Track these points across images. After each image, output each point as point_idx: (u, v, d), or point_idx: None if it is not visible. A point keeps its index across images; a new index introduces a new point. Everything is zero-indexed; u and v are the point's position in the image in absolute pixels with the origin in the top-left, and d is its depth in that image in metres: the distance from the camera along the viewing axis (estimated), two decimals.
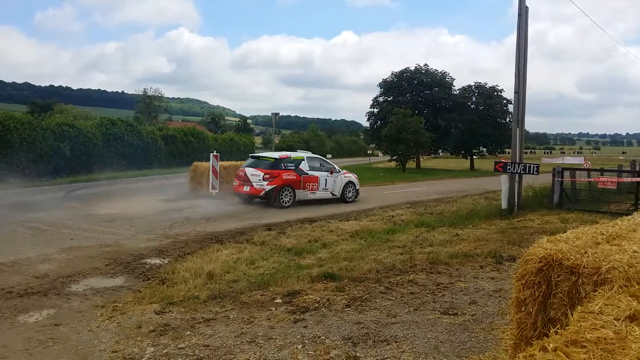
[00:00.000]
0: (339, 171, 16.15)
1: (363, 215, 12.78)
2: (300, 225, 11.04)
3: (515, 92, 12.92)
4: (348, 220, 11.75)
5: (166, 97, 77.66)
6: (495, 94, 47.25)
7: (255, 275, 6.69)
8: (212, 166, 15.96)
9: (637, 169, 14.55)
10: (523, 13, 12.65)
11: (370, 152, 54.09)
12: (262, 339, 4.40)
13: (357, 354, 4.05)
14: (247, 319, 4.94)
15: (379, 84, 52.08)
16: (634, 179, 12.67)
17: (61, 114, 36.49)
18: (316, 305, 5.28)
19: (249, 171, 14.60)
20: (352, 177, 16.55)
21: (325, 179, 15.42)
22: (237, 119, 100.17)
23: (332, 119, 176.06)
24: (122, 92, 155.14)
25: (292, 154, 15.72)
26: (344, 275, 6.44)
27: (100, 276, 6.88)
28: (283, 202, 14.34)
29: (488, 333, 4.48)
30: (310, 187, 15.02)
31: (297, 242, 9.12)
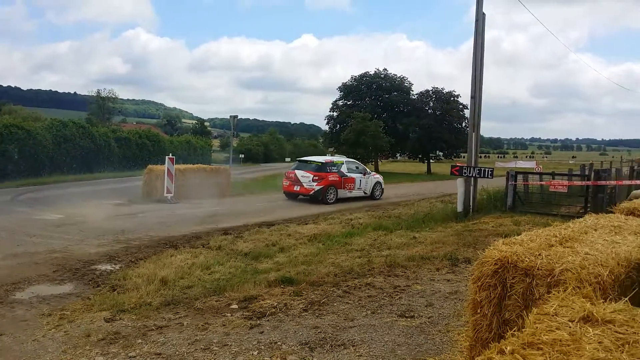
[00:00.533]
0: (370, 173, 18.74)
1: (321, 218, 12.75)
2: (258, 229, 10.89)
3: (471, 98, 13.14)
4: (306, 224, 11.68)
5: (121, 99, 75.43)
6: (452, 99, 48.40)
7: (210, 280, 6.53)
8: (168, 169, 15.58)
9: (587, 173, 15.09)
10: (480, 19, 12.87)
11: (330, 155, 54.21)
12: (217, 346, 4.27)
13: (314, 359, 3.98)
14: (202, 325, 4.79)
15: (339, 87, 52.47)
16: (584, 183, 13.14)
17: (10, 115, 34.83)
18: (273, 310, 5.19)
19: (299, 173, 16.72)
20: (380, 177, 19.24)
21: (360, 180, 17.65)
22: (194, 122, 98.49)
23: (292, 123, 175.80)
24: (75, 93, 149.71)
25: (334, 159, 18.20)
26: (301, 279, 6.37)
27: (48, 283, 6.56)
28: (328, 199, 16.43)
29: (444, 335, 4.50)
30: (349, 187, 17.22)
31: (254, 246, 8.98)
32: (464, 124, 45.98)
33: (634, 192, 8.79)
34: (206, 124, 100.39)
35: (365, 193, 17.91)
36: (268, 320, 4.91)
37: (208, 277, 6.72)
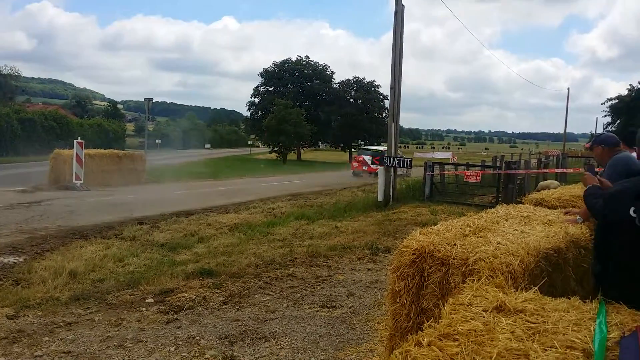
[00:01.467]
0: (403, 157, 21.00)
1: (243, 207, 12.54)
2: (176, 218, 10.51)
3: (391, 88, 13.43)
4: (227, 213, 11.44)
5: (25, 77, 69.73)
6: (373, 89, 49.51)
7: (124, 273, 6.20)
8: (76, 154, 14.64)
9: (498, 164, 15.97)
10: (399, 10, 13.14)
11: (251, 143, 53.72)
12: (131, 343, 4.06)
13: (235, 353, 3.89)
14: (115, 321, 4.54)
15: (260, 73, 51.96)
16: (497, 171, 13.92)
17: None
18: (191, 303, 5.03)
19: (366, 158, 25.37)
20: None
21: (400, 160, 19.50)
22: (106, 104, 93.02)
23: (212, 108, 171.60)
24: None
25: (384, 148, 19.66)
26: (221, 270, 6.22)
27: None
28: None
29: (365, 324, 4.57)
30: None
31: (171, 236, 8.65)
32: (384, 114, 47.20)
33: (541, 183, 9.44)
34: (119, 106, 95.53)
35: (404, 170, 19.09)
36: (186, 315, 4.75)
37: (121, 270, 6.37)
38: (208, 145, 62.12)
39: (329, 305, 5.06)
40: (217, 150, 59.14)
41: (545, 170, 16.27)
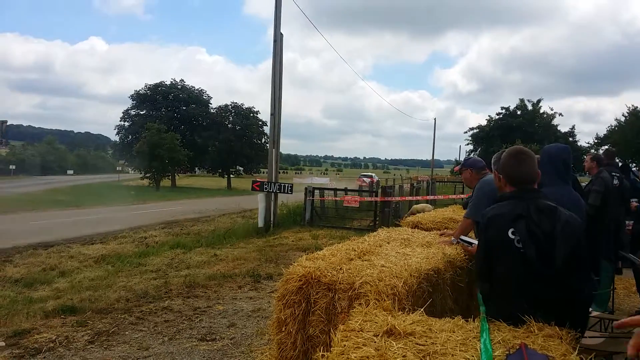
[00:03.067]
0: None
1: (111, 237, 11.62)
2: (33, 251, 9.43)
3: (271, 114, 13.49)
4: (92, 244, 10.52)
5: None
6: (252, 115, 49.52)
7: None
8: None
9: (375, 189, 16.67)
10: (278, 39, 13.35)
11: (120, 168, 50.66)
12: None
13: None
14: None
15: (131, 95, 49.54)
16: (373, 198, 14.48)
17: None
18: (51, 345, 4.46)
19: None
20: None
21: None
22: None
23: (75, 131, 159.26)
24: None
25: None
26: (86, 307, 5.62)
27: None
28: None
29: (247, 356, 4.35)
30: None
31: (27, 271, 7.73)
32: (263, 140, 47.38)
33: (415, 206, 10.00)
34: None
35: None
36: (44, 358, 4.23)
37: None
38: (71, 172, 57.28)
39: (208, 338, 4.76)
40: (82, 176, 54.75)
41: (418, 197, 17.34)
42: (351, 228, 12.85)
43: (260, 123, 48.71)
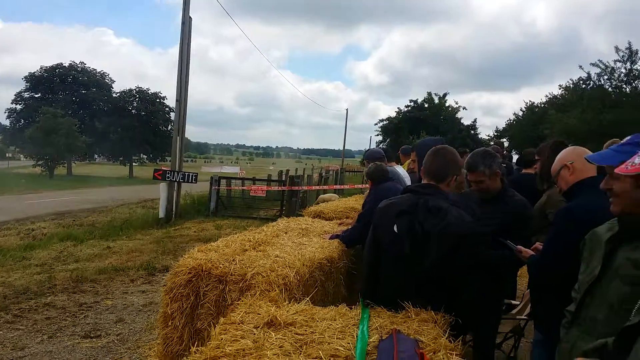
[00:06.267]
0: None
1: None
2: None
3: (177, 101, 12.98)
4: None
5: None
6: (158, 100, 47.48)
7: None
8: None
9: (284, 179, 16.51)
10: (187, 22, 12.85)
11: (10, 155, 46.55)
12: None
13: None
14: None
15: (25, 77, 45.51)
16: (281, 188, 14.42)
17: None
18: None
19: None
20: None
21: None
22: None
23: None
24: None
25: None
26: None
27: None
28: None
29: (133, 352, 4.14)
30: None
31: None
32: (170, 127, 45.58)
33: (322, 195, 10.06)
34: None
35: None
36: None
37: None
38: None
39: (92, 335, 4.46)
40: None
41: (325, 187, 17.54)
42: (257, 218, 12.71)
43: (167, 109, 46.84)
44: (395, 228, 2.36)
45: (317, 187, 16.10)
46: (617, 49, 22.82)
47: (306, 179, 17.60)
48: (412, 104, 40.19)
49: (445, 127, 37.03)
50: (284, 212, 12.58)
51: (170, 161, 14.00)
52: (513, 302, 4.37)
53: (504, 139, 35.35)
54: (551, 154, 3.04)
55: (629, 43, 22.85)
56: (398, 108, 42.49)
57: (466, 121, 39.98)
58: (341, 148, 55.12)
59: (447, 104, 39.62)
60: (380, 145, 38.44)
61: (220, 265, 3.01)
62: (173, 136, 13.53)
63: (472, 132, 39.09)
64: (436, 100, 39.70)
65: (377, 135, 41.17)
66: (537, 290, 2.76)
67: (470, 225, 2.37)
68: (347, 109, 54.48)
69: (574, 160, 2.43)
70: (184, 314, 3.02)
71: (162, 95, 47.82)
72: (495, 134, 37.98)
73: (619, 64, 22.95)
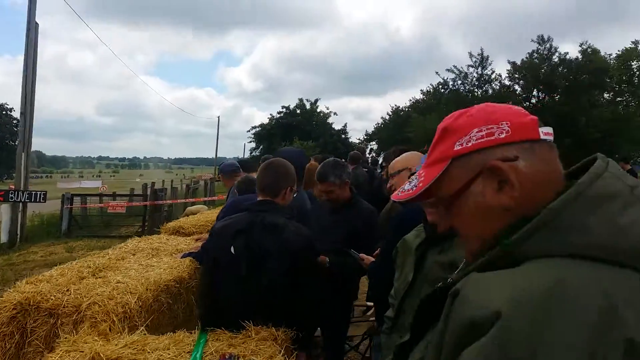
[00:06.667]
0: None
1: None
2: None
3: (21, 113, 11.84)
4: None
5: None
6: (4, 112, 42.76)
7: None
8: None
9: (148, 192, 15.59)
10: (32, 28, 11.84)
11: None
12: None
13: None
14: None
15: None
16: (142, 203, 13.61)
17: None
18: None
19: None
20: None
21: None
22: None
23: None
24: None
25: None
26: None
27: None
28: None
29: None
30: None
31: None
32: (17, 141, 41.17)
33: (189, 208, 9.67)
34: None
35: None
36: None
37: None
38: None
39: None
40: None
41: (191, 199, 16.92)
42: (116, 236, 11.88)
43: (15, 122, 42.25)
44: (232, 249, 2.31)
45: (184, 200, 15.52)
46: (470, 55, 25.27)
47: (171, 191, 16.86)
48: (284, 110, 40.62)
49: (317, 132, 37.94)
50: (146, 228, 11.93)
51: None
52: (369, 303, 4.57)
53: (373, 142, 37.22)
54: None
55: (481, 49, 25.46)
56: (271, 114, 42.79)
57: (337, 126, 41.35)
58: (214, 156, 54.05)
59: (318, 110, 40.67)
60: (254, 153, 38.42)
61: (52, 297, 2.76)
62: (17, 152, 12.21)
63: (343, 136, 40.44)
64: (308, 106, 40.55)
65: (251, 142, 40.99)
66: (376, 295, 2.90)
67: (308, 239, 2.41)
68: (218, 117, 53.58)
69: (414, 165, 2.46)
70: (7, 354, 2.71)
71: (8, 107, 43.14)
72: (365, 137, 39.81)
73: (471, 69, 25.41)
